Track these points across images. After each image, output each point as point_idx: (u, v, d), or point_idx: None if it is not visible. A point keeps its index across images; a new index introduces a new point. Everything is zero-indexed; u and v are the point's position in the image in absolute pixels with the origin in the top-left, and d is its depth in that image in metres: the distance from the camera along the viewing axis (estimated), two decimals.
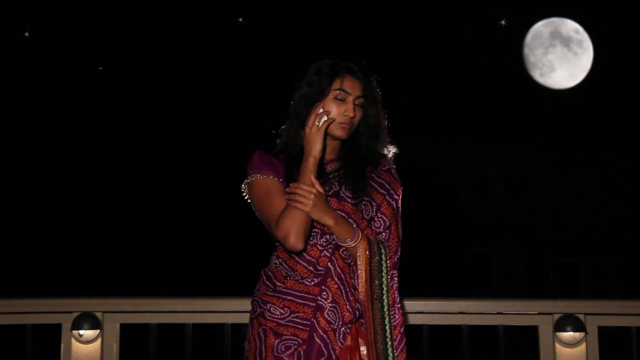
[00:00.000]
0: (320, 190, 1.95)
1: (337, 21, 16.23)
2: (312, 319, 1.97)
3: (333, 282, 1.98)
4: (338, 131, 2.03)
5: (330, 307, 1.97)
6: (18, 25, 15.73)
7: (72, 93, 16.40)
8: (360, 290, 1.99)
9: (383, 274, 2.00)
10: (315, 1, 16.38)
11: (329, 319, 1.96)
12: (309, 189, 1.92)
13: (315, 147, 1.96)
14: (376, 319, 1.98)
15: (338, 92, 2.01)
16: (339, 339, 1.97)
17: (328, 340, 1.95)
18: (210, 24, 16.58)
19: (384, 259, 2.00)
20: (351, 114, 2.01)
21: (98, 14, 16.48)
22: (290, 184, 1.96)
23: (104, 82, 16.58)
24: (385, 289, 1.99)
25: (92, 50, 16.60)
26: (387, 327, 1.98)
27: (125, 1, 16.30)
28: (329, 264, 1.99)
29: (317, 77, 2.03)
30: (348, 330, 1.99)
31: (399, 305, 2.01)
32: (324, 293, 1.98)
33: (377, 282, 1.99)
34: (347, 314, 1.98)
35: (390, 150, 2.15)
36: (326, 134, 2.02)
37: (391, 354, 1.97)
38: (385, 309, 1.99)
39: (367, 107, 2.06)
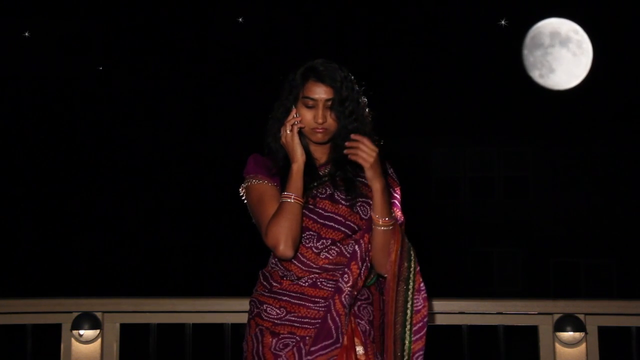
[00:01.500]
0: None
1: (337, 21, 16.24)
2: (330, 300, 1.96)
3: (356, 266, 1.98)
4: (313, 136, 2.03)
5: (348, 291, 1.96)
6: (18, 25, 15.73)
7: (72, 93, 16.39)
8: (388, 268, 2.00)
9: (412, 258, 2.02)
10: (315, 1, 16.38)
11: (344, 302, 1.96)
12: (372, 147, 1.94)
13: (295, 154, 1.97)
14: (399, 301, 1.99)
15: (306, 99, 2.00)
16: (346, 325, 1.96)
17: (339, 324, 1.95)
18: (210, 24, 16.58)
19: (410, 245, 2.03)
20: (320, 120, 1.99)
21: (98, 14, 16.47)
22: (351, 135, 1.97)
23: (104, 82, 16.58)
24: (412, 272, 2.01)
25: (92, 50, 16.60)
26: (409, 311, 1.99)
27: (125, 1, 16.30)
28: (356, 246, 1.99)
29: (289, 85, 2.04)
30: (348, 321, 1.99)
31: (424, 295, 2.01)
32: (345, 276, 1.97)
33: (406, 264, 2.01)
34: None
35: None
36: (310, 139, 2.04)
37: (408, 338, 1.99)
38: (409, 292, 2.00)
39: (342, 109, 2.00)
